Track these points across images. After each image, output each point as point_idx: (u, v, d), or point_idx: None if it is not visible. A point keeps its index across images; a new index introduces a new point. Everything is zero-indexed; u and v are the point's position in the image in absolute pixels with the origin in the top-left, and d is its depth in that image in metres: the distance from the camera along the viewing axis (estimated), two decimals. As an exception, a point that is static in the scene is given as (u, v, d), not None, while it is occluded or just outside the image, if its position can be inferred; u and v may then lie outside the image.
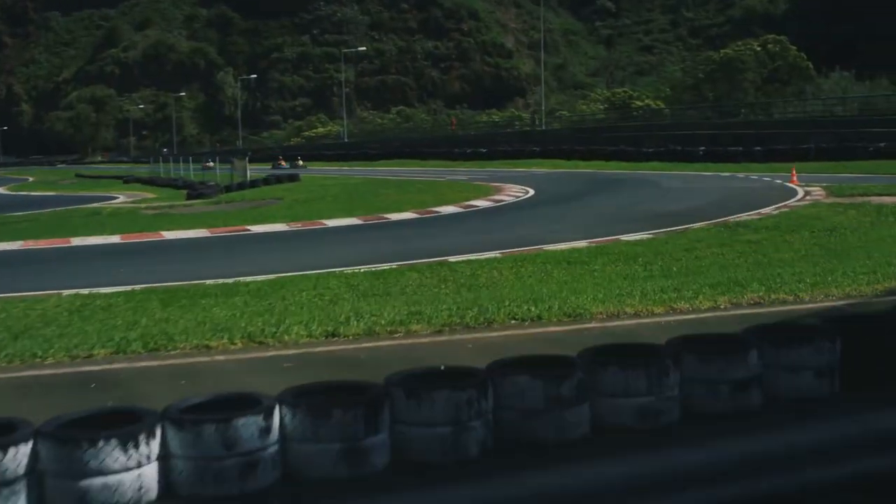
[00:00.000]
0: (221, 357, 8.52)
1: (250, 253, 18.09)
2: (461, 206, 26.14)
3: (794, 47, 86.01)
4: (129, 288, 12.97)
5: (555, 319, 9.42)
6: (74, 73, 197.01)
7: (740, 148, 43.82)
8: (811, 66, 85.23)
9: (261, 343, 8.88)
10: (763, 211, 21.34)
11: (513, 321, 9.43)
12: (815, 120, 45.16)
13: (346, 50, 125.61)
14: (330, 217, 23.92)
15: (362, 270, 14.15)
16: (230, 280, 13.41)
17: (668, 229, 18.43)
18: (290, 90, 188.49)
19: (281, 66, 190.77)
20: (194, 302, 11.65)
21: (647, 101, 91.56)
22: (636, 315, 9.53)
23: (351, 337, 8.99)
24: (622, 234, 17.90)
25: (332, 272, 14.03)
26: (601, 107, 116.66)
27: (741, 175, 35.98)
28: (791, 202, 23.13)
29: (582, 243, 16.70)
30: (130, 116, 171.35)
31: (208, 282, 13.45)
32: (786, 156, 41.04)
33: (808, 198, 24.28)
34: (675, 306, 9.76)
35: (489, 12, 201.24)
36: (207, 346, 8.79)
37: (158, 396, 6.29)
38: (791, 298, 10.04)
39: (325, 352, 8.60)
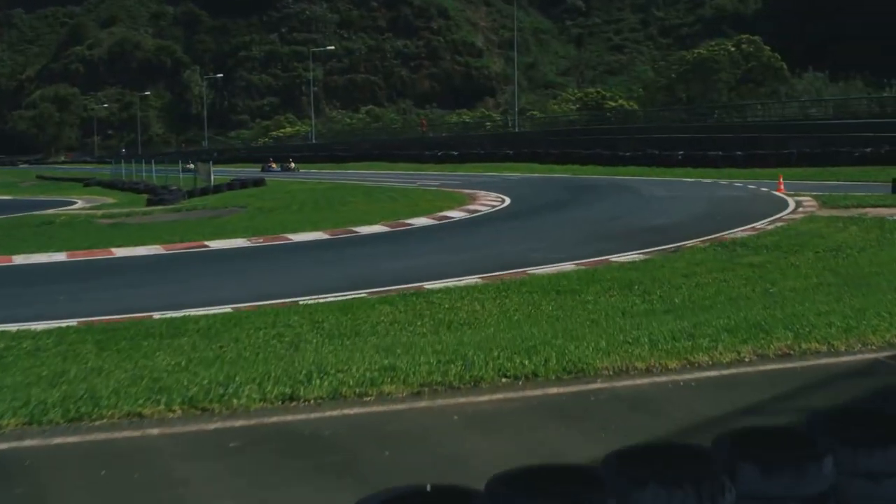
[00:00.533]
0: (155, 430, 6.97)
1: (206, 275, 16.54)
2: (434, 218, 24.69)
3: (768, 47, 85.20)
4: (64, 324, 11.45)
5: (553, 377, 7.94)
6: (38, 71, 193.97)
7: (720, 152, 42.62)
8: (785, 66, 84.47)
9: (204, 410, 7.36)
10: (757, 226, 20.04)
11: (504, 378, 7.96)
12: (794, 124, 43.89)
13: (314, 49, 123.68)
14: (295, 230, 22.39)
15: (329, 301, 12.72)
16: (179, 314, 11.92)
17: (660, 248, 17.11)
18: (258, 89, 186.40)
19: (248, 65, 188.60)
20: (135, 344, 10.13)
21: (620, 101, 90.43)
22: (648, 371, 8.08)
23: (312, 401, 7.46)
24: (611, 253, 16.54)
25: (294, 303, 12.60)
26: (573, 107, 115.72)
27: (724, 182, 34.74)
28: (784, 215, 21.85)
29: (568, 265, 15.32)
30: (95, 115, 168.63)
31: (155, 315, 11.96)
32: (767, 161, 39.93)
33: (800, 210, 23.02)
34: (691, 359, 8.30)
35: (459, 11, 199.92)
36: (140, 415, 7.25)
37: (67, 493, 5.04)
38: (824, 349, 8.63)
39: (281, 423, 7.09)
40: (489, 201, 29.57)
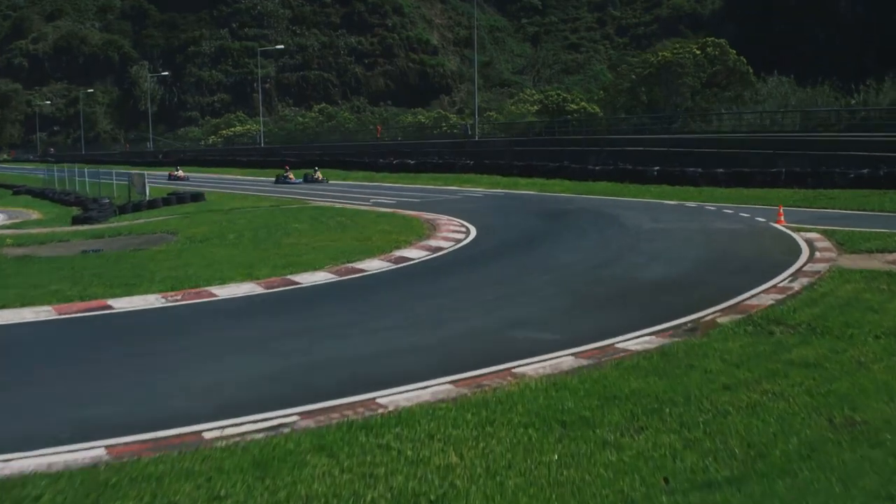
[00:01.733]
0: None
1: (86, 369, 12.44)
2: (390, 259, 20.86)
3: (734, 51, 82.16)
4: None
5: None
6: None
7: (699, 169, 39.15)
8: (751, 70, 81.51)
9: None
10: (780, 283, 16.48)
11: None
12: (781, 139, 40.37)
13: (261, 48, 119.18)
14: (223, 279, 18.44)
15: (244, 434, 8.96)
16: (14, 472, 8.05)
17: (674, 323, 13.52)
18: (208, 85, 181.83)
19: (198, 61, 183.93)
20: None
21: (581, 103, 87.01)
22: None
23: None
24: (615, 333, 12.88)
25: (195, 437, 8.82)
26: (532, 108, 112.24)
27: (710, 207, 31.28)
28: (806, 267, 18.28)
29: (565, 357, 11.67)
30: (39, 111, 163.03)
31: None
32: (753, 180, 36.65)
33: (818, 255, 19.54)
34: None
35: (414, 8, 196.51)
36: None
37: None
38: None
39: None
40: (452, 232, 25.79)
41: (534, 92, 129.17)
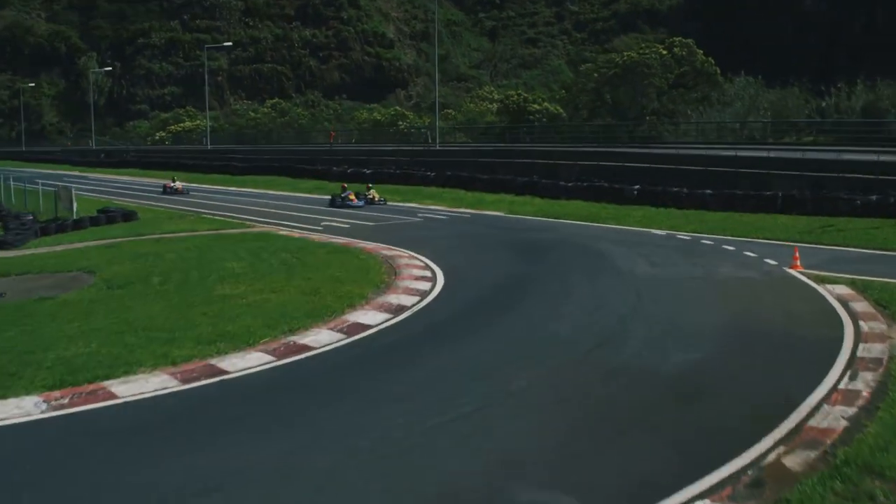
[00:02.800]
0: None
1: None
2: (341, 328, 16.81)
3: (701, 51, 78.95)
4: None
5: None
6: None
7: (684, 189, 35.38)
8: (719, 71, 78.30)
9: None
10: (842, 386, 12.69)
11: None
12: (774, 158, 36.62)
13: (209, 46, 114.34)
14: (131, 363, 14.38)
15: None
16: None
17: (729, 472, 9.68)
18: (158, 78, 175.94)
19: (148, 53, 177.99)
20: None
21: (544, 103, 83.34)
22: None
23: None
24: (651, 498, 9.07)
25: None
26: (492, 106, 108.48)
27: (707, 240, 27.51)
28: (861, 350, 14.41)
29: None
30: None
31: None
32: (745, 203, 33.05)
33: (867, 330, 15.73)
34: None
35: (370, 0, 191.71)
36: None
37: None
38: None
39: None
40: (415, 279, 21.71)
41: (492, 89, 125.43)
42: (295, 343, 15.83)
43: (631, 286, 20.27)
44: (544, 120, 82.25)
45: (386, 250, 26.55)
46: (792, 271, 21.59)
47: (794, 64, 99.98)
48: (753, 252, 24.76)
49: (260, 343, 15.81)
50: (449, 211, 38.07)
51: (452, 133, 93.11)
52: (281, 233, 31.42)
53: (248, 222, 35.23)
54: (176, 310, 18.81)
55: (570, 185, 39.48)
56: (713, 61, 78.46)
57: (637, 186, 36.82)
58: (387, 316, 17.95)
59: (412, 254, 25.64)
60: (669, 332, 16.03)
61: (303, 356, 15.11)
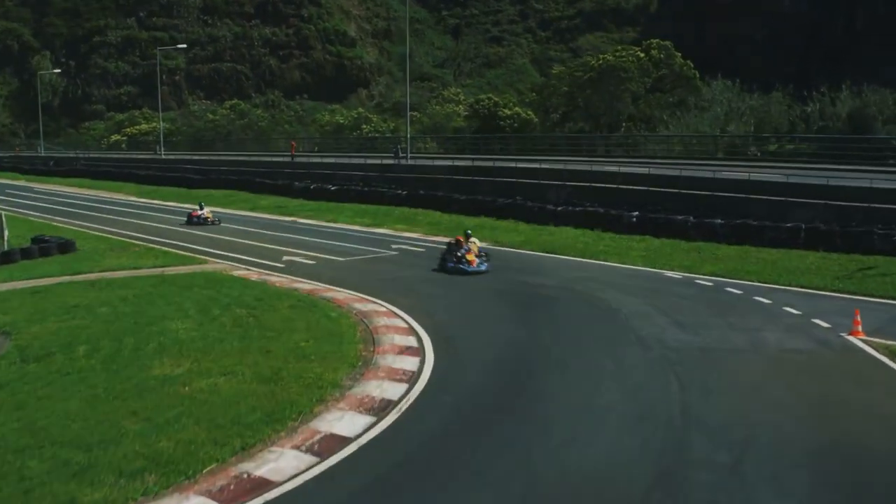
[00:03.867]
0: None
1: None
2: (308, 443, 12.49)
3: (679, 54, 75.22)
4: None
5: None
6: None
7: (690, 217, 31.22)
8: (697, 75, 74.61)
9: None
10: None
11: None
12: (792, 183, 32.42)
13: (161, 48, 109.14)
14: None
15: None
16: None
17: None
18: (115, 77, 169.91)
19: (104, 51, 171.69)
20: None
21: (515, 108, 79.28)
22: None
23: None
24: None
25: None
26: (458, 108, 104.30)
27: (734, 288, 23.30)
28: None
29: None
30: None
31: None
32: (762, 236, 28.97)
33: None
34: None
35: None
36: None
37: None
38: None
39: None
40: (398, 351, 17.36)
41: (458, 91, 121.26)
42: (249, 476, 11.50)
43: (666, 366, 16.09)
44: (516, 125, 78.29)
45: (359, 302, 22.22)
46: (854, 339, 17.58)
47: (772, 66, 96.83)
48: (795, 308, 20.68)
49: (202, 475, 11.51)
50: (426, 239, 33.73)
51: (422, 139, 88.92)
52: (236, 273, 27.00)
53: (199, 256, 30.72)
54: (100, 405, 14.39)
55: (559, 209, 35.23)
56: (692, 64, 74.73)
57: (636, 213, 32.67)
58: (368, 420, 13.64)
59: (391, 309, 21.35)
60: (746, 455, 11.88)
61: (258, 500, 10.86)
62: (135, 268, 28.78)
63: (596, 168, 37.29)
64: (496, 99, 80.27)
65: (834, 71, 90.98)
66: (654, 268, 26.62)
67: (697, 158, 55.45)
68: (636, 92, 72.65)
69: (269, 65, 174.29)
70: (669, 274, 25.61)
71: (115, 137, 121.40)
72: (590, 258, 28.38)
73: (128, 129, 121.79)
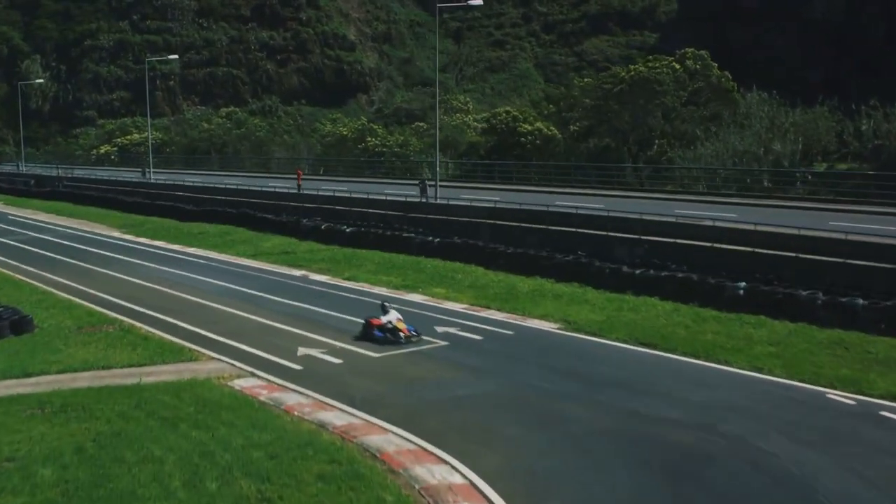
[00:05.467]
0: None
1: None
2: None
3: (716, 64, 68.00)
4: None
5: None
6: None
7: (819, 294, 23.78)
8: (736, 87, 67.43)
9: None
10: None
11: None
12: None
13: (150, 59, 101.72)
14: None
15: None
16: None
17: None
18: (106, 82, 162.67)
19: (96, 55, 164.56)
20: None
21: (536, 123, 71.99)
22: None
23: None
24: None
25: None
26: (467, 118, 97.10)
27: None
28: None
29: None
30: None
31: None
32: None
33: None
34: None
35: (330, 0, 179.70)
36: None
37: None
38: None
39: None
40: None
41: (467, 99, 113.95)
42: None
43: None
44: (538, 142, 71.06)
45: (419, 460, 14.90)
46: None
47: (799, 76, 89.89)
48: None
49: None
50: (475, 314, 26.36)
51: (433, 154, 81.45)
52: (238, 386, 19.73)
53: (188, 346, 23.36)
54: None
55: (636, 273, 27.86)
56: (730, 76, 67.56)
57: (743, 284, 25.44)
58: None
59: (470, 479, 14.12)
60: None
61: None
62: (105, 366, 21.54)
63: (679, 218, 29.78)
64: (515, 113, 72.87)
65: (867, 81, 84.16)
66: (803, 380, 19.32)
67: (760, 193, 48.69)
68: (671, 106, 65.39)
69: (266, 69, 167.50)
70: (834, 396, 18.31)
71: (104, 148, 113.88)
72: (705, 358, 21.05)
73: (119, 140, 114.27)
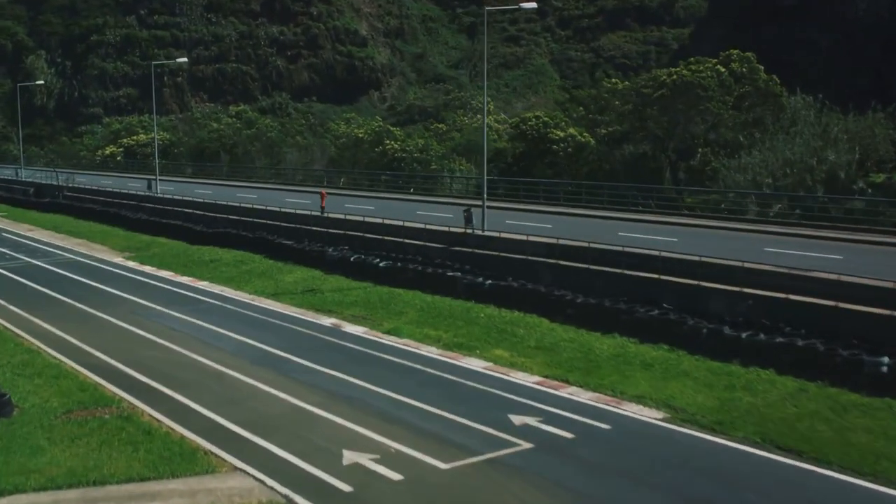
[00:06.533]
0: None
1: None
2: None
3: (762, 67, 62.86)
4: None
5: None
6: None
7: None
8: (784, 91, 62.22)
9: None
10: None
11: None
12: None
13: (156, 63, 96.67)
14: None
15: None
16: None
17: None
18: (113, 78, 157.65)
19: (102, 51, 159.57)
20: None
21: (569, 129, 66.86)
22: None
23: None
24: None
25: None
26: (497, 123, 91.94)
27: None
28: None
29: None
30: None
31: None
32: None
33: None
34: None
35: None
36: None
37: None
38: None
39: None
40: None
41: (489, 100, 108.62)
42: None
43: None
44: (570, 150, 65.98)
45: None
46: None
47: (838, 77, 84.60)
48: None
49: None
50: (553, 391, 21.27)
51: (455, 160, 76.34)
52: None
53: (207, 455, 18.28)
54: None
55: (742, 335, 22.81)
56: (777, 79, 62.39)
57: (886, 359, 20.44)
58: None
59: None
60: None
61: None
62: (97, 481, 16.61)
63: (794, 270, 24.53)
64: (546, 118, 67.73)
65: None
66: None
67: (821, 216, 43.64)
68: (717, 112, 60.25)
69: (277, 65, 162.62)
70: None
71: (110, 149, 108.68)
72: (871, 476, 16.07)
73: (124, 140, 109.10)
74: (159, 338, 27.38)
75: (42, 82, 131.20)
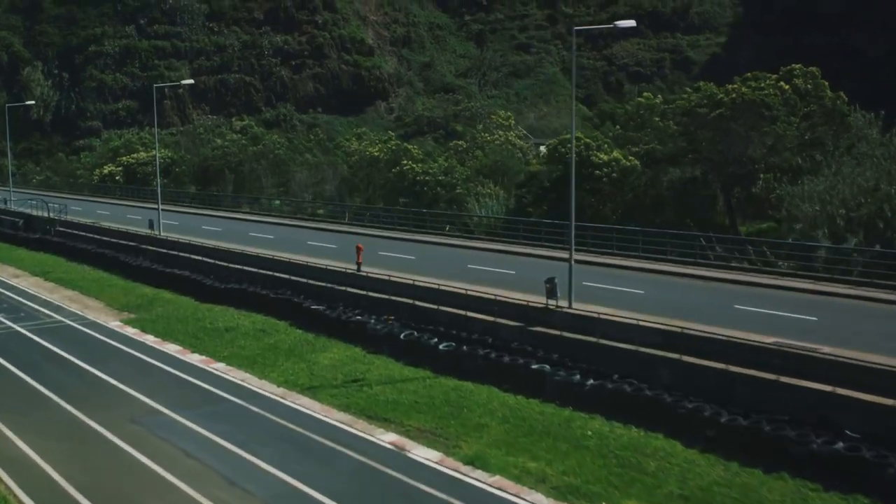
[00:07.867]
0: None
1: None
2: None
3: (827, 83, 56.02)
4: None
5: None
6: None
7: None
8: (852, 110, 55.39)
9: None
10: None
11: None
12: None
13: (158, 84, 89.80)
14: None
15: None
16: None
17: None
18: (112, 91, 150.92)
19: (101, 62, 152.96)
20: None
21: (613, 153, 59.91)
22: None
23: None
24: None
25: None
26: (522, 141, 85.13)
27: None
28: None
29: None
30: None
31: None
32: None
33: None
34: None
35: (347, 3, 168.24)
36: None
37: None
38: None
39: None
40: None
41: (509, 114, 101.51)
42: None
43: None
44: (614, 175, 59.00)
45: None
46: None
47: (886, 88, 78.19)
48: None
49: None
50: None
51: (482, 183, 69.09)
52: None
53: None
54: None
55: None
56: (844, 97, 55.51)
57: None
58: None
59: None
60: None
61: None
62: None
63: None
64: (587, 140, 60.84)
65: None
66: None
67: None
68: (782, 134, 53.35)
69: (281, 76, 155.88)
70: None
71: (108, 168, 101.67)
72: None
73: (123, 158, 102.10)
74: (168, 472, 20.20)
75: (33, 102, 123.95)
